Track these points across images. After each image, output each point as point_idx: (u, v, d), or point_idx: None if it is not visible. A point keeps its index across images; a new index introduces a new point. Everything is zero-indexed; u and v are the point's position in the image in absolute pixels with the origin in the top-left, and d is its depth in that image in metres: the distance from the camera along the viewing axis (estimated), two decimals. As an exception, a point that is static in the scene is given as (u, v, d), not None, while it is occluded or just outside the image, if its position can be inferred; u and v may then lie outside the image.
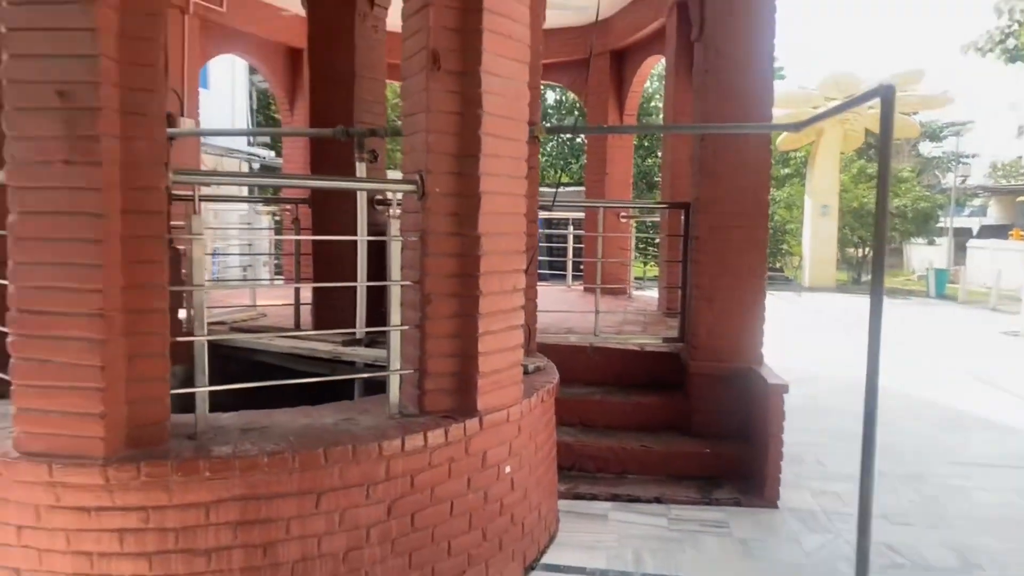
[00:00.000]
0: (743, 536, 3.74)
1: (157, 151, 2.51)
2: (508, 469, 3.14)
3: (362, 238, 4.23)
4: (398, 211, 3.13)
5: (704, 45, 4.72)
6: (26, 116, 2.38)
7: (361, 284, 4.26)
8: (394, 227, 2.97)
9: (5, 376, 2.49)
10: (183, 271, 3.82)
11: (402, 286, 2.99)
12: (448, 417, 2.94)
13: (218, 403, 2.81)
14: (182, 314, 4.29)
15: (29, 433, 2.45)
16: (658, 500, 4.10)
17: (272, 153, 18.27)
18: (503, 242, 3.08)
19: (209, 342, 2.74)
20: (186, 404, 2.70)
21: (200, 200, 2.68)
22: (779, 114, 13.79)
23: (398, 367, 2.99)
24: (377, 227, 4.56)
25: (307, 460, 2.55)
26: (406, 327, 2.99)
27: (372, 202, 5.05)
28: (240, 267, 10.21)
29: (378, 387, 3.52)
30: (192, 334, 2.74)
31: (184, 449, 2.53)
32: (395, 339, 2.98)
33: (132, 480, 2.40)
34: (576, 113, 23.23)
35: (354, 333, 4.38)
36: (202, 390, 2.66)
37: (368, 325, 4.36)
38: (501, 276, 3.08)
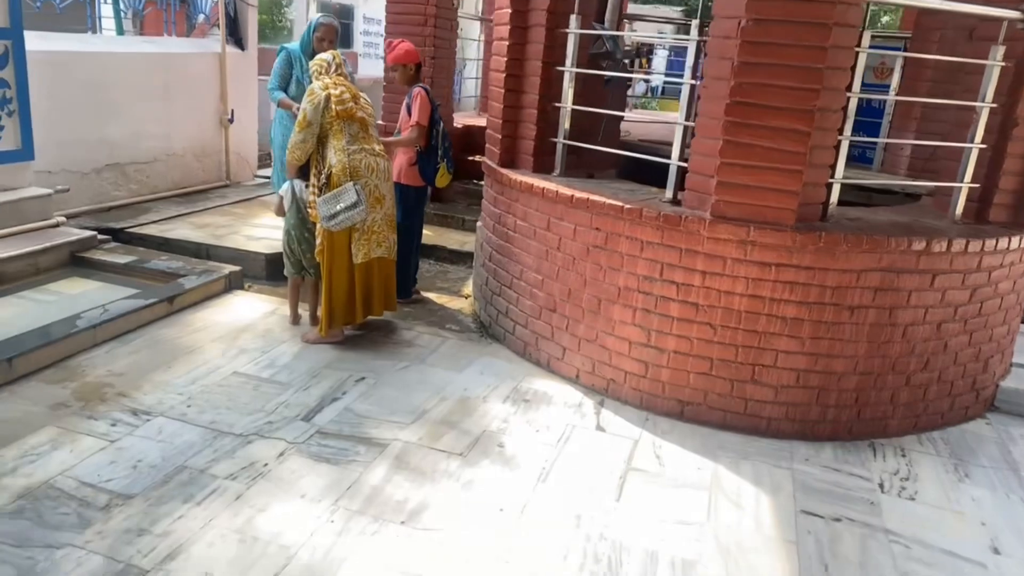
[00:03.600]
0: None
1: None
2: (1032, 282, 3.64)
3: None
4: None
5: None
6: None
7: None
8: (998, 53, 3.28)
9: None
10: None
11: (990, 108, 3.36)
12: (1010, 228, 3.42)
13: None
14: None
15: (727, 202, 3.14)
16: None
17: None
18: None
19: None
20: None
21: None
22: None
23: (968, 182, 3.44)
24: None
25: (930, 246, 3.13)
26: (983, 146, 3.40)
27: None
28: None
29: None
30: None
31: (829, 227, 3.17)
32: (972, 155, 3.41)
33: (811, 244, 3.07)
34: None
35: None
36: (836, 182, 3.24)
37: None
38: (1081, 109, 3.38)
